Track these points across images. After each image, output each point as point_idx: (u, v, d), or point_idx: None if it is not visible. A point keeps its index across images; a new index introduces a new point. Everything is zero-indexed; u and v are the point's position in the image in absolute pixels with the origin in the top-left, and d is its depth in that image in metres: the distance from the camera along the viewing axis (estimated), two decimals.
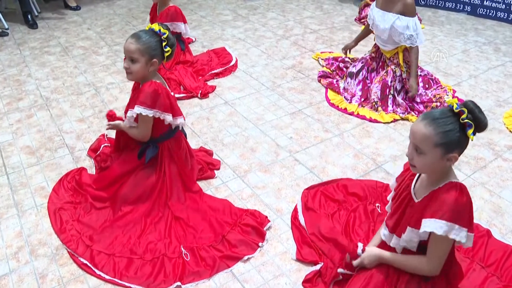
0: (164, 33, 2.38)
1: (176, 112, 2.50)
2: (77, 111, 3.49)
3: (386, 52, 3.72)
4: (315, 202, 2.55)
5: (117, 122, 2.53)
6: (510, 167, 3.10)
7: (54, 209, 2.50)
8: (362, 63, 3.83)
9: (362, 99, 3.69)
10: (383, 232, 1.98)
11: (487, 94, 4.05)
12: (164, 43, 2.39)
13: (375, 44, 3.81)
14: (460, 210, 1.69)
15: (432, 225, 1.69)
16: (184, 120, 2.58)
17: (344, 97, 3.76)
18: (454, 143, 1.65)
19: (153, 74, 2.46)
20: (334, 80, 3.96)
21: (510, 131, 3.55)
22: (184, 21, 3.92)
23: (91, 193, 2.56)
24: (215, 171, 2.82)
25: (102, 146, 2.94)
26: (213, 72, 3.93)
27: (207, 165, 2.82)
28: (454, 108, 1.64)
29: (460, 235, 1.68)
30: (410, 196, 1.86)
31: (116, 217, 2.43)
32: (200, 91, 3.60)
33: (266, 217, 2.46)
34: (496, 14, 6.01)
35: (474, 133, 1.65)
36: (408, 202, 1.87)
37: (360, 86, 3.76)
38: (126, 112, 2.53)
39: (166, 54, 2.42)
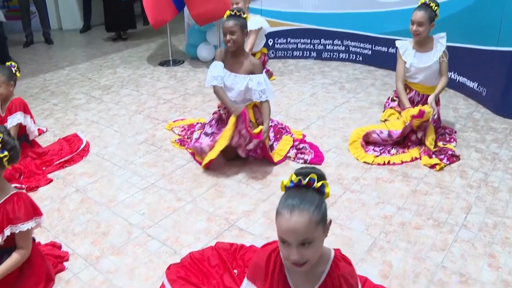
0: None
1: (40, 211, 2.47)
2: None
3: None
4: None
5: None
6: (357, 198, 3.29)
7: None
8: (218, 124, 3.92)
9: None
10: None
11: (334, 132, 4.30)
12: None
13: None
14: (355, 271, 1.76)
15: None
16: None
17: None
18: (326, 210, 1.60)
19: (0, 181, 2.34)
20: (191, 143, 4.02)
21: (356, 158, 3.79)
22: (26, 112, 3.87)
23: None
24: (66, 264, 2.71)
25: None
26: (61, 160, 3.83)
27: (56, 258, 2.71)
28: (302, 183, 1.59)
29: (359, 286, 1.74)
30: None
31: None
32: (27, 185, 3.50)
33: None
34: (339, 56, 6.50)
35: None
36: None
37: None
38: None
39: (4, 159, 2.26)
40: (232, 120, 3.54)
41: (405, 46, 4.07)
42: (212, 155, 3.60)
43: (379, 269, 2.61)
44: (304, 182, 1.58)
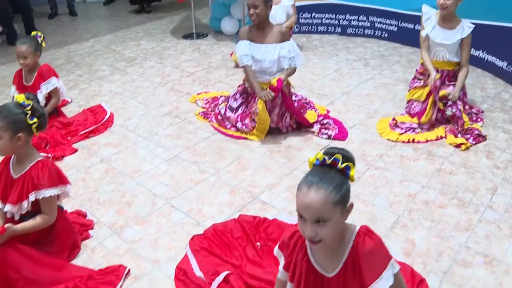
0: (28, 104, 2.28)
1: (66, 179, 2.50)
2: None
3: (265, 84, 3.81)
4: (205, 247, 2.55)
5: (8, 231, 2.22)
6: (381, 174, 3.26)
7: None
8: (243, 98, 3.92)
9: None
10: None
11: (358, 108, 4.26)
12: (28, 115, 2.28)
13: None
14: (383, 248, 1.68)
15: (383, 285, 1.64)
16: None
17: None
18: (347, 192, 1.58)
19: (27, 148, 2.37)
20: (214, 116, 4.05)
21: (380, 135, 3.76)
22: (57, 76, 3.99)
23: None
24: (91, 232, 2.75)
25: None
26: (85, 131, 3.87)
27: (81, 226, 2.76)
28: (327, 162, 1.57)
29: (394, 265, 1.68)
30: (319, 273, 1.73)
31: None
32: (52, 155, 3.54)
33: (120, 265, 2.47)
34: (364, 32, 6.40)
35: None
36: (321, 281, 1.74)
37: (240, 123, 3.83)
38: (2, 198, 2.40)
39: (34, 126, 2.31)
40: (260, 105, 3.60)
41: (430, 14, 3.92)
42: (255, 138, 3.73)
43: (402, 246, 2.60)
44: (328, 161, 1.57)
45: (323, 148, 3.59)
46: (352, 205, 1.61)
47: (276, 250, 1.88)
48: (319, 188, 1.52)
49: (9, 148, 2.30)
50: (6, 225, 2.21)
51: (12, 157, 2.43)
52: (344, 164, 1.56)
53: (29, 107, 2.29)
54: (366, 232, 1.69)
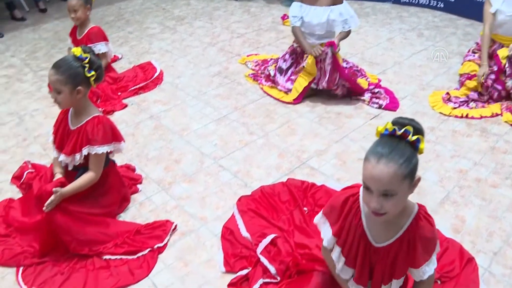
0: (86, 57, 2.30)
1: (121, 137, 2.53)
2: None
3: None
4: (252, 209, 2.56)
5: (58, 195, 2.25)
6: (432, 148, 3.19)
7: None
8: (292, 59, 3.88)
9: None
10: None
11: (411, 79, 4.15)
12: (86, 68, 2.30)
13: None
14: (436, 231, 1.68)
15: (430, 267, 1.68)
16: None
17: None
18: (416, 166, 1.51)
19: (85, 101, 2.40)
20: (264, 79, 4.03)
21: (433, 108, 3.66)
22: (106, 40, 3.94)
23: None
24: (140, 187, 2.80)
25: (26, 173, 2.87)
26: (135, 87, 3.90)
27: (130, 180, 2.80)
28: (397, 133, 1.49)
29: (438, 246, 1.71)
30: (368, 241, 1.72)
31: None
32: (103, 109, 3.58)
33: (167, 220, 2.53)
34: (419, 1, 6.18)
35: None
36: (368, 249, 1.73)
37: (289, 82, 3.81)
38: (58, 147, 2.46)
39: (92, 79, 2.33)
40: (310, 60, 3.54)
41: None
42: (296, 91, 3.68)
43: (451, 222, 2.54)
44: (399, 132, 1.48)
45: (374, 117, 3.52)
46: (419, 179, 1.54)
47: (319, 217, 1.82)
48: (389, 161, 1.45)
49: (69, 101, 2.33)
50: (54, 189, 2.24)
51: (71, 108, 2.46)
52: (415, 137, 1.48)
53: (86, 60, 2.30)
54: (426, 215, 1.66)
